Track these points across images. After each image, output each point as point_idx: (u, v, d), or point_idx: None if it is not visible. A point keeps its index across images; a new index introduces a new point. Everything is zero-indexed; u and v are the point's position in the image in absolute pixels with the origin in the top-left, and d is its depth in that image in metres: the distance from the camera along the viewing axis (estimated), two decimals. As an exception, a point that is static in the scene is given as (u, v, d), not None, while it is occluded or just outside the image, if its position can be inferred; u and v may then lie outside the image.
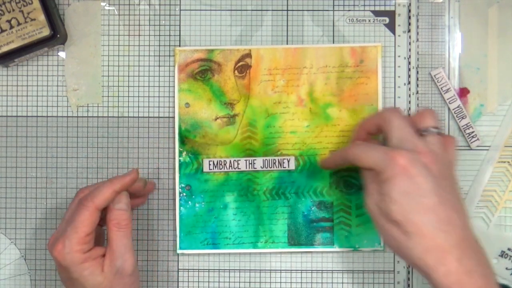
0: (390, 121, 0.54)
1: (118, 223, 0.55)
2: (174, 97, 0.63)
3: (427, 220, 0.50)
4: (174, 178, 0.63)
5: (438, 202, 0.50)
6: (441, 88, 0.62)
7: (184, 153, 0.62)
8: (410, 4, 0.63)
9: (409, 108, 0.63)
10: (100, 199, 0.54)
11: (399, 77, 0.63)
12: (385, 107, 0.62)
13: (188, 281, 0.63)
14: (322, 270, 0.63)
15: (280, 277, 0.63)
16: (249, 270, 0.63)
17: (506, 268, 0.62)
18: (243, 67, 0.62)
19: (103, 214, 0.56)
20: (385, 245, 0.62)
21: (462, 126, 0.62)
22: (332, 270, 0.63)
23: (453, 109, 0.62)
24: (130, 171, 0.56)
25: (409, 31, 0.63)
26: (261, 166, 0.62)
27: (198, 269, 0.63)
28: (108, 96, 0.63)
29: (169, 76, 0.63)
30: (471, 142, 0.62)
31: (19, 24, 0.59)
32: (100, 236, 0.59)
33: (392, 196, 0.51)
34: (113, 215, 0.55)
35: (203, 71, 0.62)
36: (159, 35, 0.63)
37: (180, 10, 0.63)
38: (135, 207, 0.62)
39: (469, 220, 0.52)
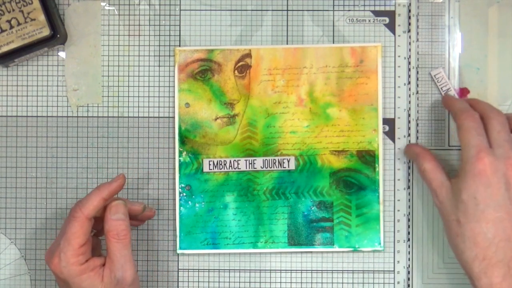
0: (493, 117, 0.55)
1: (117, 234, 0.54)
2: (174, 97, 0.63)
3: (486, 230, 0.51)
4: (174, 178, 0.63)
5: (503, 218, 0.51)
6: (441, 88, 0.62)
7: (184, 153, 0.62)
8: (410, 4, 0.63)
9: (409, 108, 0.63)
10: (88, 208, 0.53)
11: (399, 77, 0.63)
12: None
13: (188, 281, 0.63)
14: (322, 270, 0.63)
15: (280, 277, 0.63)
16: (249, 270, 0.63)
17: (506, 268, 0.62)
18: (243, 67, 0.62)
19: (100, 226, 0.55)
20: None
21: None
22: (332, 270, 0.63)
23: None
24: (117, 177, 0.56)
25: (409, 31, 0.63)
26: (261, 166, 0.62)
27: (198, 269, 0.63)
28: (108, 96, 0.63)
29: (169, 76, 0.63)
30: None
31: (19, 24, 0.59)
32: (97, 246, 0.58)
33: (461, 196, 0.52)
34: (111, 226, 0.54)
35: (203, 71, 0.62)
36: (159, 35, 0.63)
37: (180, 10, 0.63)
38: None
39: None
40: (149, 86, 0.63)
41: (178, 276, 0.63)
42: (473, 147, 0.53)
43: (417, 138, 0.62)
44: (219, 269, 0.63)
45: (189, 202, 0.62)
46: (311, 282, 0.63)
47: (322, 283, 0.63)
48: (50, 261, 0.53)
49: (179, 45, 0.63)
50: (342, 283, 0.63)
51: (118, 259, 0.54)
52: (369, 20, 0.63)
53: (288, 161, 0.62)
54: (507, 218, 0.52)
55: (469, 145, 0.53)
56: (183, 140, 0.62)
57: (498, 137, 0.54)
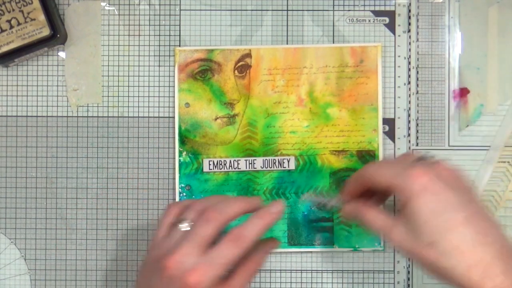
0: (381, 164, 0.54)
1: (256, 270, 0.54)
2: (174, 97, 0.63)
3: (464, 235, 0.48)
4: (174, 178, 0.63)
5: (470, 215, 0.48)
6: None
7: (184, 153, 0.62)
8: (410, 4, 0.63)
9: (409, 108, 0.63)
10: (254, 239, 0.51)
11: (399, 77, 0.63)
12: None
13: (188, 281, 0.63)
14: (322, 270, 0.63)
15: (280, 277, 0.63)
16: (249, 270, 0.63)
17: (506, 268, 0.62)
18: (243, 67, 0.62)
19: None
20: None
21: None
22: (332, 270, 0.63)
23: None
24: (276, 204, 0.53)
25: (409, 31, 0.63)
26: (261, 166, 0.62)
27: (198, 269, 0.63)
28: (108, 96, 0.63)
29: (169, 76, 0.63)
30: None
31: (19, 24, 0.59)
32: None
33: (421, 218, 0.49)
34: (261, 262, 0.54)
35: (203, 71, 0.62)
36: (159, 35, 0.63)
37: (180, 10, 0.63)
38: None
39: (502, 228, 0.50)
40: (149, 86, 0.63)
41: (178, 276, 0.63)
42: (398, 172, 0.50)
43: (417, 138, 0.62)
44: (219, 269, 0.63)
45: (189, 202, 0.62)
46: (311, 282, 0.63)
47: (322, 283, 0.63)
48: (190, 275, 0.49)
49: (179, 45, 0.63)
50: (342, 283, 0.63)
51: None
52: (369, 20, 0.63)
53: (288, 161, 0.62)
54: (471, 212, 0.49)
55: (392, 174, 0.51)
56: (183, 140, 0.62)
57: (411, 158, 0.52)
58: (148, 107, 0.63)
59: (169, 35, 0.63)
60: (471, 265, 0.47)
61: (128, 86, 0.63)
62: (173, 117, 0.63)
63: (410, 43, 0.63)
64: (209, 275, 0.49)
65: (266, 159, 0.62)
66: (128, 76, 0.63)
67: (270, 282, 0.63)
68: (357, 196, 0.56)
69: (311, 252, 0.63)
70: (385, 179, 0.51)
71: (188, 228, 0.51)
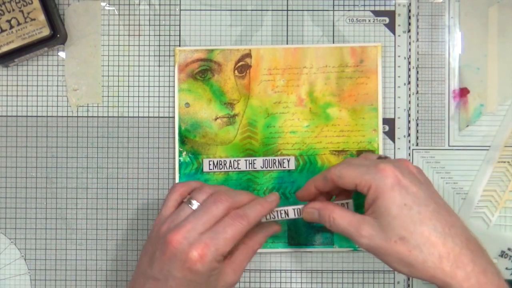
0: (342, 169, 0.53)
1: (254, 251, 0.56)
2: (174, 97, 0.63)
3: (433, 227, 0.49)
4: (174, 178, 0.63)
5: (437, 208, 0.50)
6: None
7: (184, 153, 0.62)
8: (410, 4, 0.63)
9: (409, 108, 0.63)
10: (254, 222, 0.53)
11: (399, 77, 0.63)
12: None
13: (188, 281, 0.63)
14: (322, 270, 0.63)
15: (280, 277, 0.63)
16: (249, 270, 0.63)
17: (506, 268, 0.62)
18: (243, 67, 0.62)
19: None
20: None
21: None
22: (332, 270, 0.63)
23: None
24: (273, 195, 0.56)
25: (409, 31, 0.63)
26: (261, 166, 0.62)
27: (198, 269, 0.63)
28: (108, 96, 0.63)
29: (169, 76, 0.63)
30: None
31: (19, 24, 0.59)
32: None
33: (391, 212, 0.50)
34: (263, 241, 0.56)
35: (203, 71, 0.62)
36: (159, 35, 0.63)
37: (180, 10, 0.63)
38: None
39: (464, 221, 0.52)
40: (149, 86, 0.63)
41: (178, 276, 0.63)
42: (367, 170, 0.51)
43: (417, 138, 0.62)
44: (219, 269, 0.63)
45: (189, 202, 0.62)
46: (311, 282, 0.63)
47: (322, 283, 0.63)
48: (194, 249, 0.51)
49: (179, 45, 0.63)
50: (342, 283, 0.63)
51: (242, 265, 0.55)
52: (369, 20, 0.63)
53: (288, 161, 0.62)
54: (438, 206, 0.50)
55: (361, 172, 0.51)
56: (183, 140, 0.62)
57: (373, 157, 0.54)
58: (148, 107, 0.63)
59: (169, 35, 0.63)
60: (443, 256, 0.49)
61: (128, 86, 0.63)
62: (173, 117, 0.63)
63: (410, 43, 0.63)
64: (212, 250, 0.50)
65: (266, 159, 0.62)
66: (128, 76, 0.63)
67: (270, 282, 0.63)
68: (315, 198, 0.57)
69: (311, 252, 0.63)
70: (354, 177, 0.52)
71: (196, 208, 0.53)
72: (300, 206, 0.57)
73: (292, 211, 0.57)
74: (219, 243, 0.51)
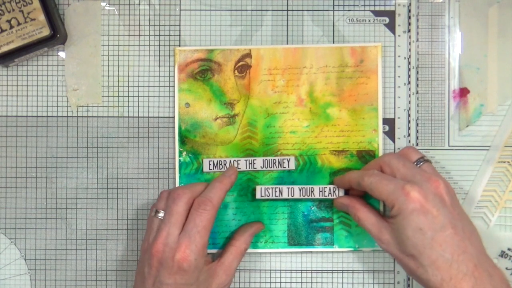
0: (387, 161, 0.56)
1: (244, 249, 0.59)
2: (174, 97, 0.63)
3: (442, 253, 0.52)
4: (174, 178, 0.63)
5: (453, 234, 0.52)
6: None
7: (184, 153, 0.62)
8: (410, 4, 0.63)
9: (409, 108, 0.63)
10: (218, 201, 0.56)
11: (399, 77, 0.63)
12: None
13: (188, 281, 0.63)
14: (322, 270, 0.63)
15: (280, 277, 0.63)
16: (249, 270, 0.63)
17: (506, 268, 0.62)
18: (243, 67, 0.62)
19: None
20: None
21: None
22: (332, 270, 0.63)
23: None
24: (231, 169, 0.59)
25: (409, 31, 0.63)
26: (261, 166, 0.62)
27: (198, 269, 0.63)
28: (108, 96, 0.63)
29: (169, 76, 0.63)
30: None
31: (19, 24, 0.59)
32: None
33: (406, 233, 0.53)
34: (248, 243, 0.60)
35: (203, 71, 0.62)
36: (159, 35, 0.63)
37: (180, 10, 0.63)
38: None
39: (481, 243, 0.54)
40: (149, 86, 0.63)
41: (178, 276, 0.63)
42: (394, 190, 0.54)
43: (417, 138, 0.62)
44: (219, 269, 0.63)
45: (189, 202, 0.62)
46: (311, 282, 0.63)
47: (322, 283, 0.63)
48: (176, 252, 0.54)
49: (179, 45, 0.63)
50: (342, 283, 0.63)
51: (231, 266, 0.58)
52: (369, 20, 0.63)
53: (288, 161, 0.62)
54: (455, 232, 0.52)
55: (389, 191, 0.54)
56: (183, 140, 0.62)
57: (406, 171, 0.55)
58: (148, 107, 0.63)
59: (169, 35, 0.63)
60: (444, 280, 0.52)
61: (128, 86, 0.63)
62: (173, 117, 0.63)
63: (410, 43, 0.63)
64: (192, 247, 0.54)
65: (266, 159, 0.62)
66: (128, 76, 0.63)
67: (270, 282, 0.63)
68: (349, 188, 0.61)
69: (311, 252, 0.63)
70: (381, 194, 0.55)
71: (162, 216, 0.56)
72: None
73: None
74: (195, 239, 0.54)
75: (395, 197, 0.53)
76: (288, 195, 0.61)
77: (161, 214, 0.56)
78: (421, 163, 0.57)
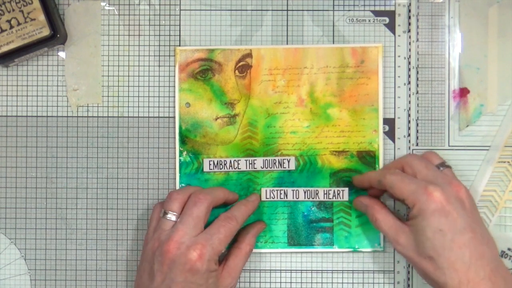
0: (409, 162, 0.57)
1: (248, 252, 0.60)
2: (174, 97, 0.63)
3: (461, 256, 0.52)
4: (174, 178, 0.63)
5: (472, 238, 0.53)
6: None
7: (185, 153, 0.62)
8: (410, 4, 0.63)
9: (409, 108, 0.63)
10: (242, 221, 0.58)
11: (399, 77, 0.63)
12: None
13: (188, 281, 0.63)
14: (322, 270, 0.63)
15: (280, 277, 0.63)
16: (249, 270, 0.63)
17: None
18: (243, 67, 0.62)
19: None
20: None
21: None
22: (332, 270, 0.63)
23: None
24: (253, 195, 0.61)
25: (409, 31, 0.63)
26: (261, 166, 0.62)
27: (198, 269, 0.63)
28: (108, 96, 0.63)
29: (170, 76, 0.63)
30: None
31: (19, 24, 0.59)
32: None
33: (426, 234, 0.53)
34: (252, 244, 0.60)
35: (204, 70, 0.62)
36: (159, 35, 0.63)
37: (180, 10, 0.63)
38: None
39: (497, 250, 0.55)
40: (149, 86, 0.63)
41: (178, 276, 0.63)
42: (416, 190, 0.54)
43: (417, 138, 0.63)
44: (219, 269, 0.63)
45: (189, 202, 0.62)
46: (311, 282, 0.63)
47: (322, 283, 0.63)
48: (192, 250, 0.54)
49: (179, 45, 0.63)
50: (342, 283, 0.63)
51: (237, 268, 0.59)
52: (369, 20, 0.63)
53: (288, 161, 0.62)
54: (474, 236, 0.53)
55: (411, 190, 0.54)
56: (183, 140, 0.62)
57: (428, 172, 0.56)
58: (148, 107, 0.63)
59: (169, 35, 0.63)
60: (462, 282, 0.52)
61: (128, 86, 0.63)
62: (174, 117, 0.63)
63: (410, 43, 0.63)
64: (209, 249, 0.54)
65: (266, 159, 0.62)
66: (128, 76, 0.63)
67: (270, 282, 0.63)
68: (368, 188, 0.61)
69: (311, 252, 0.63)
70: (403, 193, 0.55)
71: (173, 218, 0.56)
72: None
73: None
74: (214, 243, 0.55)
75: (416, 197, 0.54)
76: (293, 197, 0.61)
77: (170, 216, 0.56)
78: (443, 168, 0.57)
